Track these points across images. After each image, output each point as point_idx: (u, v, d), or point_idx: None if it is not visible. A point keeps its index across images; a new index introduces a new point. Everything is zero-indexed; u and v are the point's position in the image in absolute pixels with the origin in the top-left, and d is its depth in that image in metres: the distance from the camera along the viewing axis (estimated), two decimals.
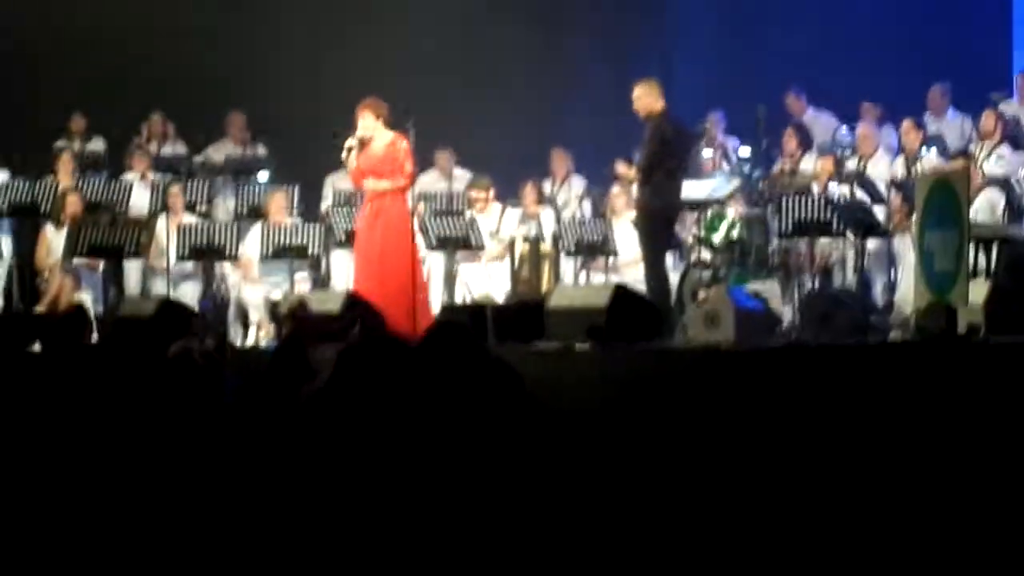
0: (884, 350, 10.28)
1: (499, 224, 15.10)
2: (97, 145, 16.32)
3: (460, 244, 14.35)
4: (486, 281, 14.69)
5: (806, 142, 15.06)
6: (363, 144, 12.52)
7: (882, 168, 14.46)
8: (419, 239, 13.40)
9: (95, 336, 13.28)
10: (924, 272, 9.74)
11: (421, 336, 7.13)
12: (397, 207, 12.54)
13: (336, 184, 15.91)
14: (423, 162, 14.83)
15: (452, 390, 6.68)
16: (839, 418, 9.66)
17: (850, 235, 13.48)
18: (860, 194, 13.99)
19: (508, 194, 15.46)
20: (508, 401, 6.99)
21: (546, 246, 14.43)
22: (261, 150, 16.49)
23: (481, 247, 14.54)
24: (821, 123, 15.65)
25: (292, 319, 9.40)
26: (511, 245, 14.47)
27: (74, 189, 14.95)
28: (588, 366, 10.75)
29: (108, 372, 9.26)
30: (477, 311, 11.34)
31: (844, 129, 15.14)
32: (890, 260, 13.76)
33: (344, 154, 12.58)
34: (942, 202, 9.50)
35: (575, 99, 17.31)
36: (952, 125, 15.15)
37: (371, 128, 12.54)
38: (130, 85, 16.72)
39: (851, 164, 14.57)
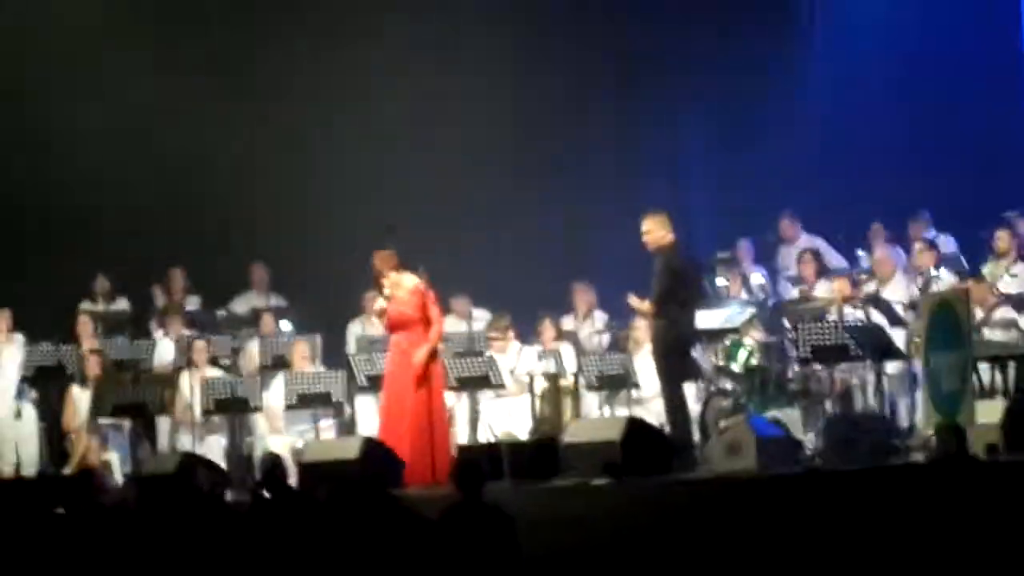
0: (899, 472, 10.27)
1: (517, 361, 15.15)
2: (121, 305, 16.51)
3: (479, 384, 14.37)
4: (508, 419, 14.70)
5: (821, 268, 15.09)
6: (388, 300, 13.13)
7: (899, 290, 14.43)
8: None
9: (117, 494, 13.44)
10: (932, 393, 9.72)
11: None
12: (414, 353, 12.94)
13: (357, 330, 16.02)
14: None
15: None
16: (861, 541, 9.63)
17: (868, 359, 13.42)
18: (878, 317, 13.96)
19: (528, 331, 15.50)
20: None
21: (566, 381, 14.43)
22: (278, 301, 16.63)
23: (501, 386, 14.57)
24: (818, 247, 15.68)
25: (268, 476, 9.48)
26: (531, 382, 14.49)
27: (98, 349, 15.11)
28: (605, 501, 10.76)
29: (121, 532, 9.34)
30: (493, 450, 11.36)
31: (859, 252, 15.17)
32: (912, 382, 13.67)
33: (377, 317, 13.51)
34: (945, 323, 9.51)
35: (593, 232, 17.37)
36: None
37: (394, 280, 13.11)
38: (149, 243, 16.98)
39: (868, 287, 14.56)
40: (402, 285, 13.12)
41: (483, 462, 9.47)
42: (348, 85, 17.53)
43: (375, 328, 15.85)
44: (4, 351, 15.47)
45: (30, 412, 15.30)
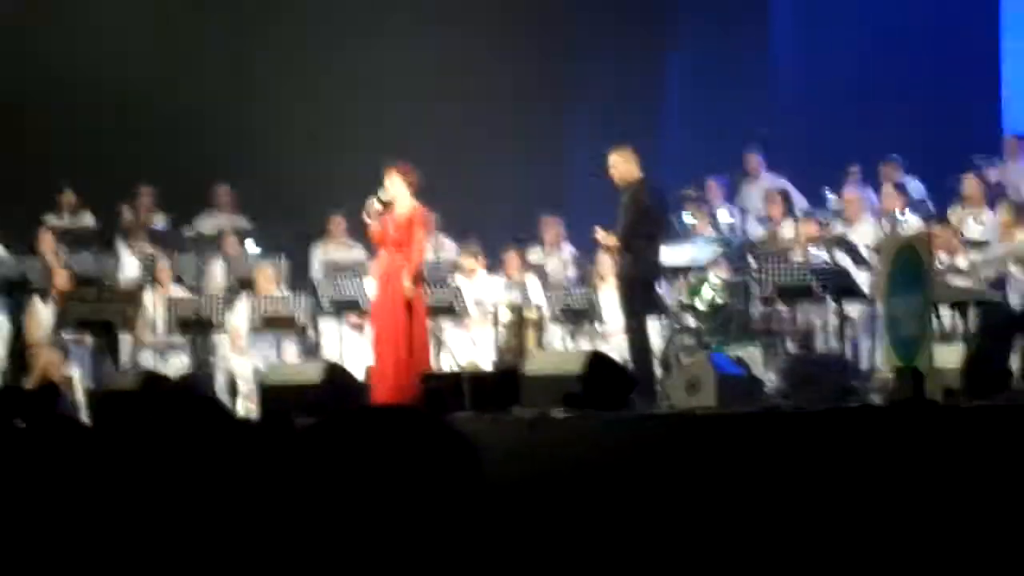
0: (857, 415, 10.31)
1: (484, 291, 15.15)
2: (86, 219, 16.41)
3: (444, 311, 14.36)
4: (472, 348, 14.72)
5: (788, 208, 15.12)
6: (386, 206, 12.46)
7: (866, 232, 14.46)
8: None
9: (79, 410, 13.43)
10: (891, 337, 9.77)
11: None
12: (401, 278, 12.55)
13: (322, 255, 16.00)
14: None
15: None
16: (816, 482, 9.69)
17: (831, 300, 13.48)
18: (843, 258, 14.00)
19: (495, 261, 15.50)
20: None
21: (531, 313, 14.44)
22: (245, 222, 16.57)
23: (465, 314, 14.58)
24: (784, 187, 15.70)
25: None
26: (495, 312, 14.49)
27: (62, 263, 15.04)
28: (564, 433, 10.79)
29: (81, 448, 9.33)
30: (454, 378, 11.37)
31: (828, 193, 15.18)
32: (874, 325, 13.73)
33: (369, 209, 12.50)
34: (907, 267, 9.53)
35: (568, 164, 17.36)
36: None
37: (399, 192, 12.46)
38: (116, 158, 16.85)
39: (835, 228, 14.59)
40: (402, 203, 12.47)
41: (446, 391, 9.47)
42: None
43: (339, 252, 15.84)
44: None
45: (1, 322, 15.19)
